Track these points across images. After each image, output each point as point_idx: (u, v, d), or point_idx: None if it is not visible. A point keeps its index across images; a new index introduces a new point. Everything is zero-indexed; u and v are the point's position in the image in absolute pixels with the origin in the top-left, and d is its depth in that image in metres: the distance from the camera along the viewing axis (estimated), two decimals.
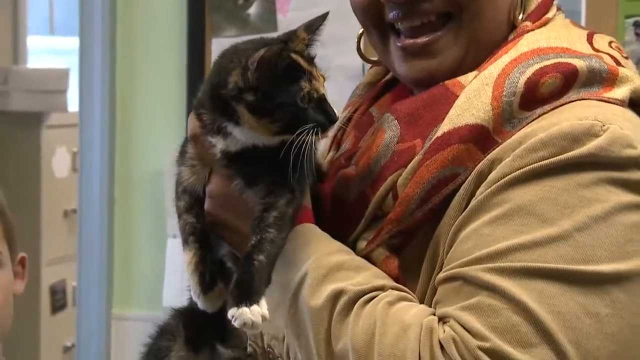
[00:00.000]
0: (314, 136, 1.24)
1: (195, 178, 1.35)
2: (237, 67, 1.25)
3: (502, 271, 1.15)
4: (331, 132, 1.31)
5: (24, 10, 5.00)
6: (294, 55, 1.26)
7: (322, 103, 1.26)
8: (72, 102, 4.26)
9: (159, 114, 2.96)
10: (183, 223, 1.35)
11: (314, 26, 1.30)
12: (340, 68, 2.34)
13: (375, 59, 1.48)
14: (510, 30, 1.34)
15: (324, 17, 1.31)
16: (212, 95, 1.29)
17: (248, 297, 1.21)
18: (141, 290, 3.01)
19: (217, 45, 2.81)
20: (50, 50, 5.80)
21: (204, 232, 1.34)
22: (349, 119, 1.44)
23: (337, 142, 1.49)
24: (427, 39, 1.32)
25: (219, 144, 1.29)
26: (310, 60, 1.28)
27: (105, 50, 2.91)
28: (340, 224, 1.33)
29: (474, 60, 1.32)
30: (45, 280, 4.45)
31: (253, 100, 1.24)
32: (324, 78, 1.28)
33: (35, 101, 4.35)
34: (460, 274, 1.18)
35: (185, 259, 1.33)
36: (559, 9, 1.38)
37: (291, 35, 1.29)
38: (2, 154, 4.37)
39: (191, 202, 1.35)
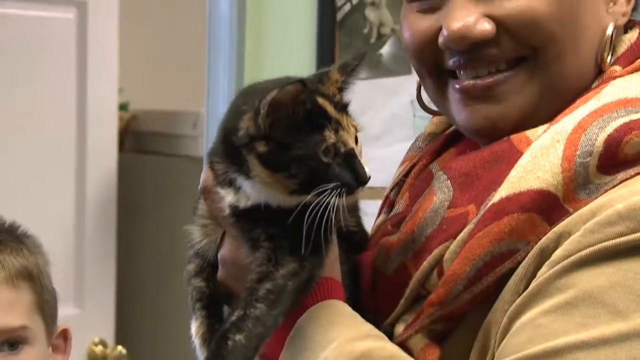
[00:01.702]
0: (337, 198, 1.04)
1: (207, 241, 1.18)
2: (250, 110, 1.07)
3: None
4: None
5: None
6: (320, 99, 1.07)
7: (350, 159, 1.07)
8: None
9: None
10: (191, 288, 1.19)
11: (349, 66, 1.12)
12: None
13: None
14: (597, 76, 1.15)
15: (361, 56, 1.13)
16: (224, 142, 1.12)
17: None
18: None
19: None
20: None
21: (212, 298, 1.18)
22: (405, 176, 1.26)
23: (389, 204, 1.31)
24: (491, 79, 1.13)
25: (228, 197, 1.12)
26: (342, 107, 1.09)
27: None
28: (379, 302, 1.16)
29: (549, 111, 1.13)
30: None
31: (265, 151, 1.06)
32: (356, 129, 1.09)
33: None
34: None
35: (192, 330, 1.17)
36: None
37: (322, 76, 1.11)
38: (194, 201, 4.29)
39: (202, 264, 1.19)
